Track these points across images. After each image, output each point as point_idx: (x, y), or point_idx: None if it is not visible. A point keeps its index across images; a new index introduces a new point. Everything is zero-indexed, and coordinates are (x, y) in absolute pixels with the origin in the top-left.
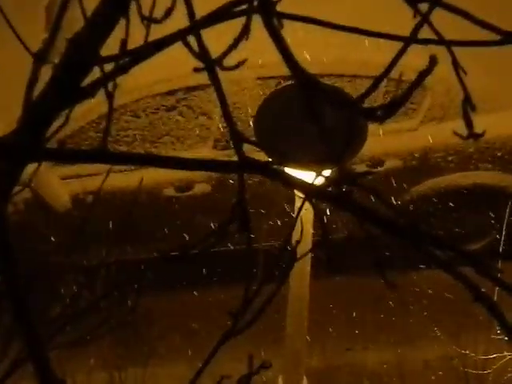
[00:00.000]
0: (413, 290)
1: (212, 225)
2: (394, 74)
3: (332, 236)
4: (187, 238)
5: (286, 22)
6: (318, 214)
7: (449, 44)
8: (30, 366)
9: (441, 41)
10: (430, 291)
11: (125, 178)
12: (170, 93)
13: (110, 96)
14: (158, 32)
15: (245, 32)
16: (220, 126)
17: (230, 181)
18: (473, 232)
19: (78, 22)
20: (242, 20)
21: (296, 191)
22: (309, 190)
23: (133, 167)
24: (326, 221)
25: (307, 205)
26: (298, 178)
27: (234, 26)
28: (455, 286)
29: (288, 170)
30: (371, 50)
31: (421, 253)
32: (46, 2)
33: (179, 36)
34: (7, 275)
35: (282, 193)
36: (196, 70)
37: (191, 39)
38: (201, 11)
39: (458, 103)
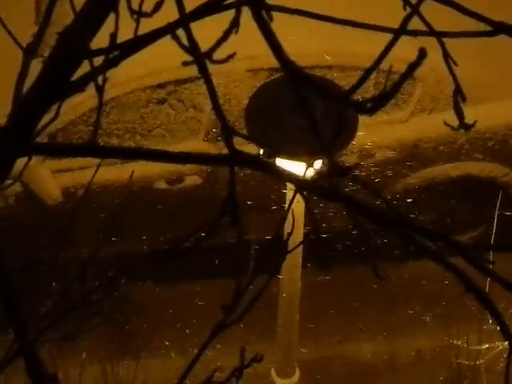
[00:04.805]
0: (404, 281)
1: (203, 218)
2: (384, 65)
3: (323, 228)
4: (178, 230)
5: (276, 14)
6: (309, 207)
7: (439, 35)
8: (21, 361)
9: (431, 32)
10: (421, 282)
11: (116, 171)
12: (161, 86)
13: (99, 90)
14: (147, 25)
15: (234, 25)
16: (211, 118)
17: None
18: (464, 223)
19: (67, 16)
20: (231, 12)
21: (287, 183)
22: (300, 183)
23: (123, 160)
24: (316, 213)
25: (298, 197)
26: (288, 171)
27: (224, 18)
28: (446, 277)
29: (279, 163)
30: (361, 42)
31: (412, 244)
32: None
33: (168, 29)
34: None
35: (273, 185)
36: (185, 63)
37: (181, 32)
38: (190, 4)
39: (449, 94)
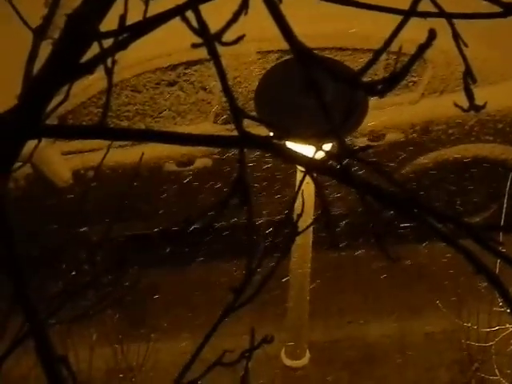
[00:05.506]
0: (415, 263)
1: (213, 200)
2: (394, 47)
3: (333, 210)
4: (188, 212)
5: None
6: (319, 189)
7: (449, 17)
8: (31, 343)
9: (441, 13)
10: (431, 264)
11: (126, 153)
12: (171, 67)
13: (109, 72)
14: (156, 7)
15: (244, 6)
16: (220, 100)
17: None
18: (474, 205)
19: None
20: None
21: (297, 165)
22: (309, 165)
23: (133, 142)
24: (326, 195)
25: (308, 179)
26: (298, 153)
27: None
28: (457, 258)
29: (289, 145)
30: (371, 23)
31: (422, 226)
32: None
33: (178, 11)
34: (6, 251)
35: (283, 167)
36: (194, 45)
37: (190, 14)
38: None
39: (459, 75)
